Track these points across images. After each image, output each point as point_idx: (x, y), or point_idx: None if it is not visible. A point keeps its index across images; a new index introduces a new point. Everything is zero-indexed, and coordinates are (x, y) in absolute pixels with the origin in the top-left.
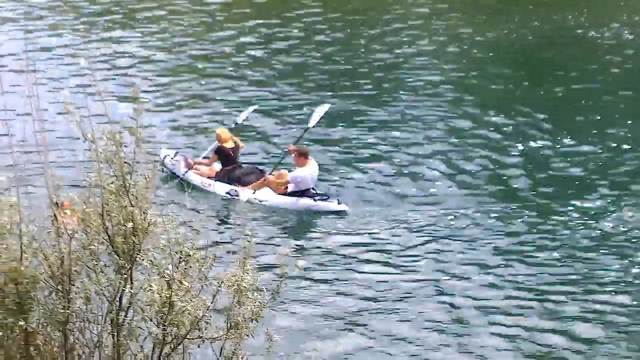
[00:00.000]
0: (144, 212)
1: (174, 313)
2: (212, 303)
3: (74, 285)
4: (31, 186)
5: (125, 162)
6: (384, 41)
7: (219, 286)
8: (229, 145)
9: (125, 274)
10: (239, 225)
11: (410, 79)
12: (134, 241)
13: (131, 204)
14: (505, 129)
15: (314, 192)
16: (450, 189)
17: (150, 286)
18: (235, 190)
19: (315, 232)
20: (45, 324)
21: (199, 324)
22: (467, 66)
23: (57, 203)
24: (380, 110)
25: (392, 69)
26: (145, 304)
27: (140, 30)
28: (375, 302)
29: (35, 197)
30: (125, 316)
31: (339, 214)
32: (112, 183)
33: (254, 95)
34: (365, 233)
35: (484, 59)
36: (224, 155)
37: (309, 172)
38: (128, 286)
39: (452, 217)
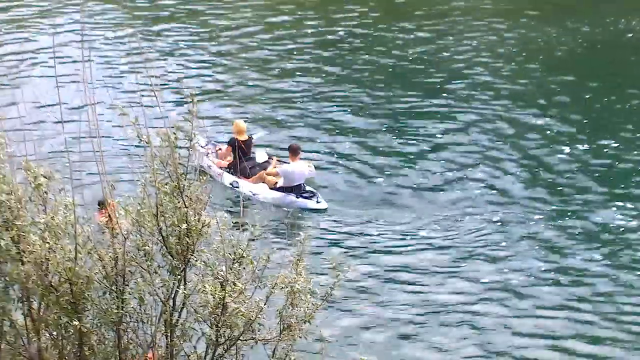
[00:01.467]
0: (198, 214)
1: (227, 314)
2: (265, 305)
3: (127, 285)
4: (86, 186)
5: (179, 163)
6: (430, 41)
7: (272, 288)
8: (242, 138)
9: (178, 274)
10: (292, 226)
11: (456, 81)
12: (187, 242)
13: (185, 205)
14: (549, 131)
15: (303, 189)
16: (493, 191)
17: (204, 287)
18: (237, 182)
19: (360, 235)
20: (99, 324)
21: (252, 326)
22: (514, 68)
23: (103, 202)
24: (425, 111)
25: (437, 69)
26: (199, 305)
27: (195, 27)
28: (419, 305)
29: (90, 197)
30: (179, 317)
31: (319, 211)
32: (166, 184)
33: (293, 92)
34: (408, 236)
35: (532, 61)
36: (236, 147)
37: (296, 168)
38: (182, 287)
39: (497, 218)
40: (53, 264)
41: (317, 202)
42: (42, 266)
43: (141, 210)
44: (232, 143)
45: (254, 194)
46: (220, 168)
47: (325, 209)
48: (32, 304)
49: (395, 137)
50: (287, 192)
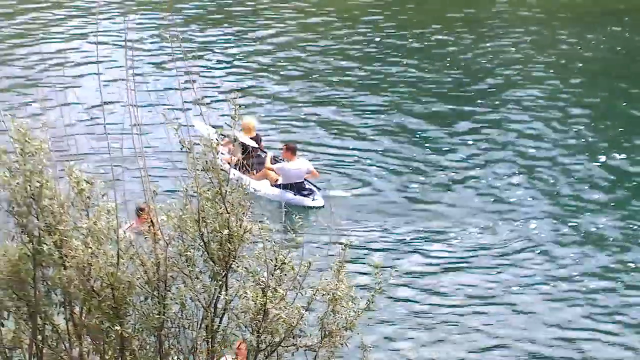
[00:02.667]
0: (239, 219)
1: (268, 320)
2: (306, 311)
3: (169, 291)
4: (129, 191)
5: (221, 170)
6: (468, 47)
7: (314, 294)
8: (249, 136)
9: (220, 280)
10: (333, 231)
11: (492, 87)
12: (229, 248)
13: (227, 211)
14: (585, 139)
15: (303, 187)
16: (528, 198)
17: (245, 293)
18: (242, 178)
19: (397, 240)
20: (140, 329)
21: (293, 332)
22: (552, 75)
23: (142, 209)
24: (460, 117)
25: (474, 76)
26: (240, 311)
27: (240, 31)
28: (466, 308)
29: (132, 202)
30: (220, 323)
31: (315, 209)
32: (208, 190)
33: (329, 97)
34: (444, 241)
35: (571, 68)
36: (243, 145)
37: (293, 166)
38: (223, 293)
39: (533, 225)
40: (95, 268)
41: (313, 199)
42: (84, 271)
43: (183, 216)
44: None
45: (255, 190)
46: (228, 164)
47: (322, 207)
48: (74, 309)
49: (431, 143)
50: (286, 189)
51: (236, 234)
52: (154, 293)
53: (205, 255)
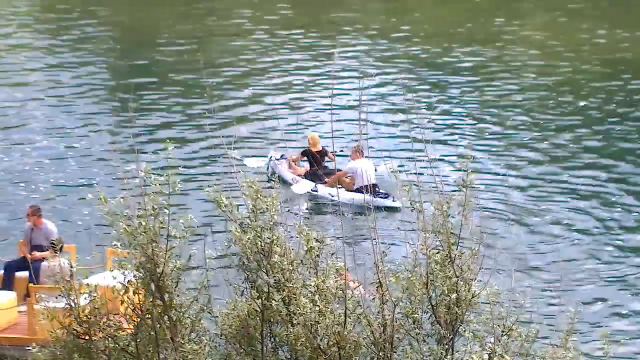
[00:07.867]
0: (467, 284)
1: None
2: None
3: (395, 352)
4: (359, 247)
5: (451, 233)
6: None
7: None
8: (315, 149)
9: (446, 344)
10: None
11: None
12: (456, 312)
13: (456, 274)
14: None
15: (377, 190)
16: None
17: (471, 358)
18: (316, 188)
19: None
20: None
21: None
22: None
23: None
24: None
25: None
26: None
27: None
28: None
29: (361, 262)
30: None
31: (393, 210)
32: (437, 252)
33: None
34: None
35: None
36: (310, 157)
37: (359, 165)
38: (449, 357)
39: None
40: (322, 327)
41: (393, 201)
42: (311, 329)
43: (411, 278)
44: (305, 153)
45: (332, 197)
46: (299, 176)
47: (399, 208)
48: None
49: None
50: (362, 192)
51: (464, 298)
52: (380, 354)
53: (432, 318)
